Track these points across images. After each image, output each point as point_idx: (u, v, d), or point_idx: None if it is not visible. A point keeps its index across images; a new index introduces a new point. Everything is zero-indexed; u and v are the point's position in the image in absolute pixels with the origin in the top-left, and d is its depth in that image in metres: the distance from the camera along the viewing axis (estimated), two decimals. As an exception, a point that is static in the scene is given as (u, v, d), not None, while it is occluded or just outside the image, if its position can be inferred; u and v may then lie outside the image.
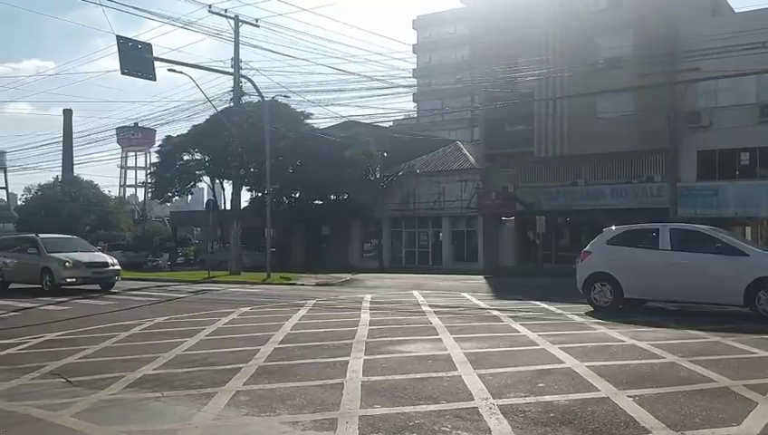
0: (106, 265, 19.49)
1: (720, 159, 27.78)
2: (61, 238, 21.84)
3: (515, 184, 32.95)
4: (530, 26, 31.52)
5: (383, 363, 7.33)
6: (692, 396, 5.74)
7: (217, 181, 41.35)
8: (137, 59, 19.32)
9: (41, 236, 20.77)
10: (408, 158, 39.35)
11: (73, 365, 7.63)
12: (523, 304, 13.90)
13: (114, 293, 18.75)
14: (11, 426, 5.25)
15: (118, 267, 19.88)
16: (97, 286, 19.56)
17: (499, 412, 5.25)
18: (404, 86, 72.87)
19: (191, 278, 25.69)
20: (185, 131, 40.04)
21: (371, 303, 14.70)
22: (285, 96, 34.62)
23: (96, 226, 57.07)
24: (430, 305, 13.73)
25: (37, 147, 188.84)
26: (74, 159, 63.87)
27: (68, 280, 18.66)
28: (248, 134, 31.73)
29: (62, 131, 70.73)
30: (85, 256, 19.59)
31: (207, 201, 39.13)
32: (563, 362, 7.23)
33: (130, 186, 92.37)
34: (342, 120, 39.92)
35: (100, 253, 21.85)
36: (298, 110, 38.00)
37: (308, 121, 39.24)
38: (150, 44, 19.83)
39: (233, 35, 31.38)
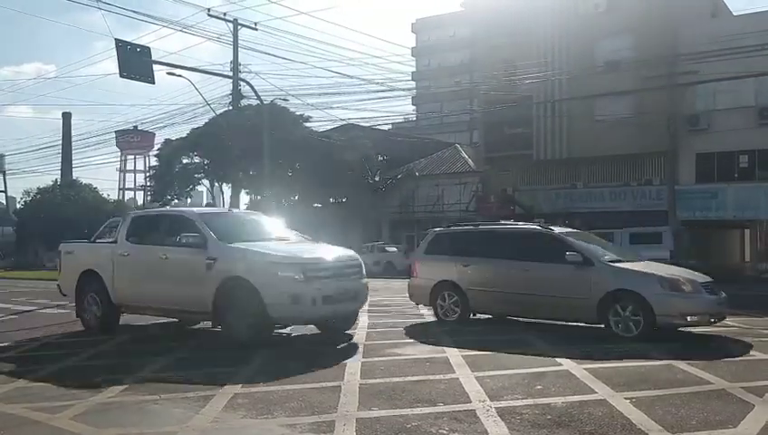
0: None
1: (719, 162, 27.82)
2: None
3: (514, 187, 32.98)
4: (529, 29, 31.57)
5: (381, 366, 7.34)
6: (689, 398, 5.75)
7: (216, 184, 41.30)
8: (136, 62, 19.30)
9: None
10: (407, 161, 39.37)
11: (72, 368, 7.63)
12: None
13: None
14: (9, 429, 5.25)
15: None
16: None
17: (496, 414, 5.27)
18: (403, 89, 73.07)
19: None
20: (184, 135, 40.03)
21: (369, 305, 14.62)
22: (284, 99, 34.69)
23: (96, 229, 56.95)
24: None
25: (36, 150, 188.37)
26: (73, 162, 63.93)
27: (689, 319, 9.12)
28: (247, 137, 31.76)
29: (61, 135, 70.60)
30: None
31: (206, 204, 39.20)
32: (561, 365, 7.24)
33: (129, 189, 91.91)
34: (341, 123, 39.96)
35: None
36: (297, 113, 38.03)
37: (307, 124, 39.24)
38: (149, 48, 19.82)
39: (232, 39, 31.55)
